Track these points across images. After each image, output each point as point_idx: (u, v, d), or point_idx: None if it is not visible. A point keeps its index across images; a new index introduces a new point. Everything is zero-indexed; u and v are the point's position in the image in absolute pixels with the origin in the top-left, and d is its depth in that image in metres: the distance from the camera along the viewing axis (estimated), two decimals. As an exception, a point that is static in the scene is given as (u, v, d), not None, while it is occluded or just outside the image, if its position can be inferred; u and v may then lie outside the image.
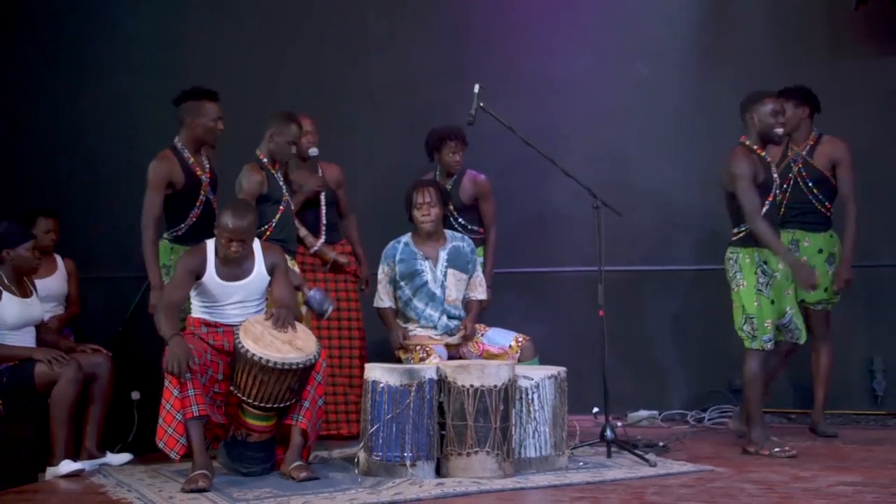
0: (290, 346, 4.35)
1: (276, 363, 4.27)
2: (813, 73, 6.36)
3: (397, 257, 5.24)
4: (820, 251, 5.44)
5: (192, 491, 4.16)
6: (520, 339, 5.10)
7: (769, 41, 6.50)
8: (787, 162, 5.51)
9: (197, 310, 4.67)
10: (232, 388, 4.42)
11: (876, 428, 5.87)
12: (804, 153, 5.47)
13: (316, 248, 5.62)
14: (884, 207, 6.22)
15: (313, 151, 5.64)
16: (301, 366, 4.32)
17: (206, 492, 4.16)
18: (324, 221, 5.67)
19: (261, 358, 4.26)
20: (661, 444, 5.11)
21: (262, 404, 4.37)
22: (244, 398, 4.38)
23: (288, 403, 4.41)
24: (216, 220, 4.56)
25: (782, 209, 5.46)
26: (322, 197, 5.65)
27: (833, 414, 6.09)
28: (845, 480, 4.23)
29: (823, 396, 5.57)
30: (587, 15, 6.80)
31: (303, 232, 5.59)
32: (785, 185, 5.44)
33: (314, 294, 5.03)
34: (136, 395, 5.50)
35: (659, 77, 6.66)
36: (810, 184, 5.43)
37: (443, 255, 5.26)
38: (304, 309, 5.05)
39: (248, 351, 4.28)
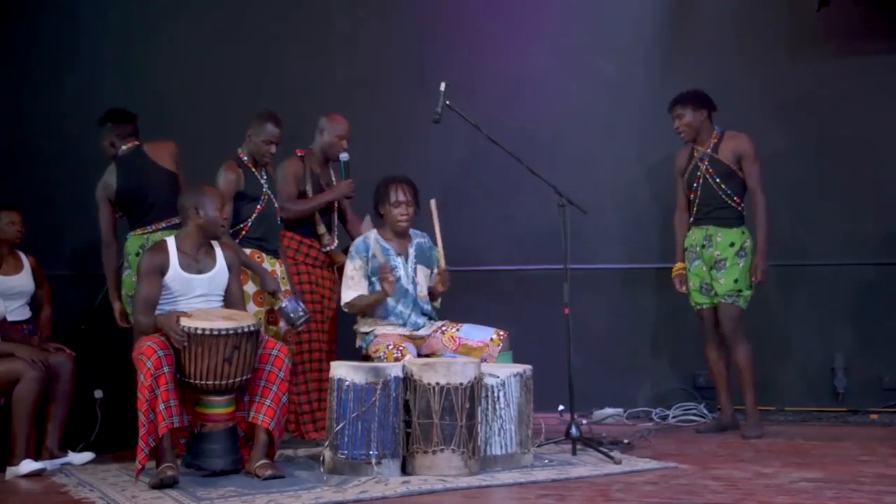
0: (224, 319, 4.40)
1: (204, 330, 4.30)
2: (774, 73, 6.45)
3: (370, 252, 5.20)
4: (732, 244, 5.50)
5: (160, 483, 4.16)
6: (500, 333, 5.11)
7: (731, 40, 6.56)
8: (694, 162, 5.62)
9: (161, 310, 4.61)
10: (177, 374, 4.41)
11: (837, 424, 5.93)
12: (709, 151, 5.57)
13: (331, 247, 5.60)
14: (839, 207, 6.30)
15: (344, 156, 5.61)
16: (230, 332, 4.32)
17: (175, 482, 4.16)
18: (336, 223, 5.68)
19: (189, 328, 4.31)
20: (625, 441, 5.13)
21: (202, 381, 4.35)
22: (186, 379, 4.37)
23: (230, 381, 4.37)
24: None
25: (695, 208, 5.61)
26: (336, 202, 5.67)
27: (795, 411, 6.17)
28: (806, 477, 4.27)
29: (752, 398, 5.47)
30: (552, 13, 6.82)
31: (322, 229, 5.59)
32: (695, 185, 5.59)
33: (287, 304, 5.08)
34: (98, 394, 5.44)
35: (623, 75, 6.69)
36: (717, 179, 5.51)
37: (412, 251, 5.25)
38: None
39: (181, 326, 4.33)
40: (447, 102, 5.11)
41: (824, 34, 6.38)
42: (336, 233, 5.69)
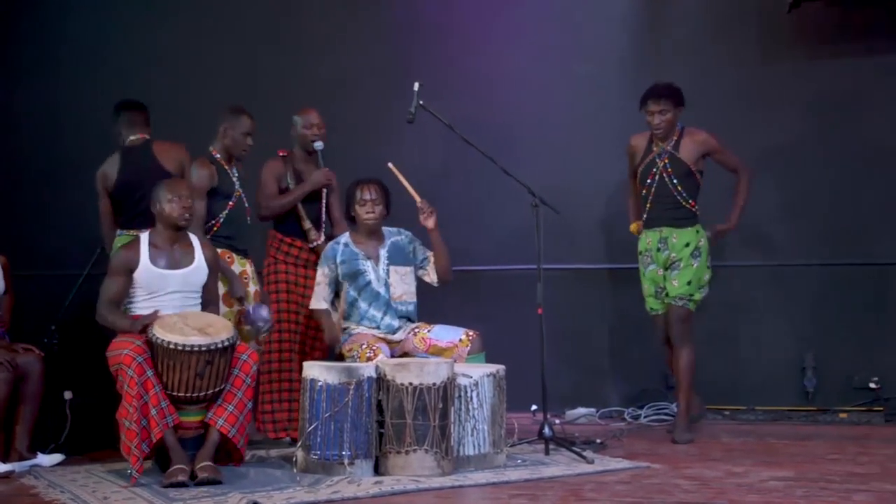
0: (199, 332, 4.35)
1: (175, 344, 4.27)
2: (746, 75, 6.50)
3: (338, 259, 5.20)
4: (687, 245, 5.36)
5: (170, 486, 4.14)
6: (469, 334, 5.11)
7: (704, 42, 6.59)
8: (652, 157, 5.43)
9: (137, 307, 4.61)
10: None
11: (807, 424, 5.99)
12: (670, 148, 5.39)
13: (318, 243, 5.56)
14: (809, 206, 6.35)
15: (318, 145, 5.59)
16: (203, 348, 4.28)
17: (185, 486, 4.14)
18: (324, 218, 5.64)
19: (162, 340, 4.28)
20: (598, 441, 5.15)
21: (175, 393, 4.32)
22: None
23: (202, 393, 4.34)
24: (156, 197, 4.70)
25: (648, 205, 5.44)
26: (324, 192, 5.62)
27: (765, 410, 6.21)
28: (777, 475, 4.31)
29: (685, 403, 5.38)
30: (527, 14, 6.84)
31: (307, 225, 5.56)
32: (650, 181, 5.42)
33: (254, 310, 5.05)
34: (68, 395, 5.39)
35: (598, 76, 6.72)
36: (675, 180, 5.37)
37: (383, 253, 5.26)
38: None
39: (154, 336, 4.31)
40: (421, 102, 5.10)
41: (795, 35, 6.43)
42: (324, 229, 5.64)
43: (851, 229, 6.32)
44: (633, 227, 5.67)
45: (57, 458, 4.92)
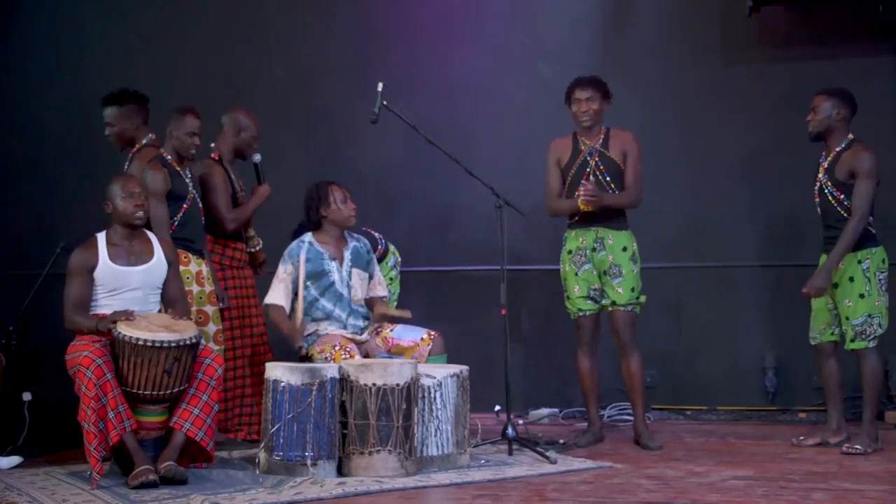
0: (165, 330, 4.34)
1: (144, 341, 4.24)
2: (707, 77, 6.54)
3: (303, 257, 5.16)
4: (624, 249, 5.23)
5: (140, 485, 4.12)
6: (431, 333, 5.11)
7: (666, 44, 6.63)
8: (581, 157, 5.25)
9: (99, 306, 4.55)
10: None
11: (767, 423, 6.04)
12: (599, 146, 5.23)
13: (258, 247, 5.57)
14: (768, 208, 6.41)
15: (257, 158, 5.51)
16: (172, 344, 4.26)
17: (157, 485, 4.12)
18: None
19: (130, 337, 4.25)
20: (561, 441, 5.17)
21: (140, 391, 4.29)
22: (123, 387, 4.30)
23: (167, 392, 4.31)
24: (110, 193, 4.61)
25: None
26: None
27: (726, 410, 6.26)
28: (738, 475, 4.35)
29: (641, 408, 5.26)
30: (490, 14, 6.84)
31: (252, 231, 5.55)
32: (584, 182, 5.19)
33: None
34: (27, 397, 5.33)
35: (560, 77, 6.67)
36: (608, 178, 5.20)
37: (347, 255, 5.24)
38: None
39: (119, 333, 4.27)
40: (384, 103, 5.09)
41: (756, 38, 6.48)
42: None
43: (811, 230, 6.35)
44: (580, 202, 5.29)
45: (15, 460, 4.86)
